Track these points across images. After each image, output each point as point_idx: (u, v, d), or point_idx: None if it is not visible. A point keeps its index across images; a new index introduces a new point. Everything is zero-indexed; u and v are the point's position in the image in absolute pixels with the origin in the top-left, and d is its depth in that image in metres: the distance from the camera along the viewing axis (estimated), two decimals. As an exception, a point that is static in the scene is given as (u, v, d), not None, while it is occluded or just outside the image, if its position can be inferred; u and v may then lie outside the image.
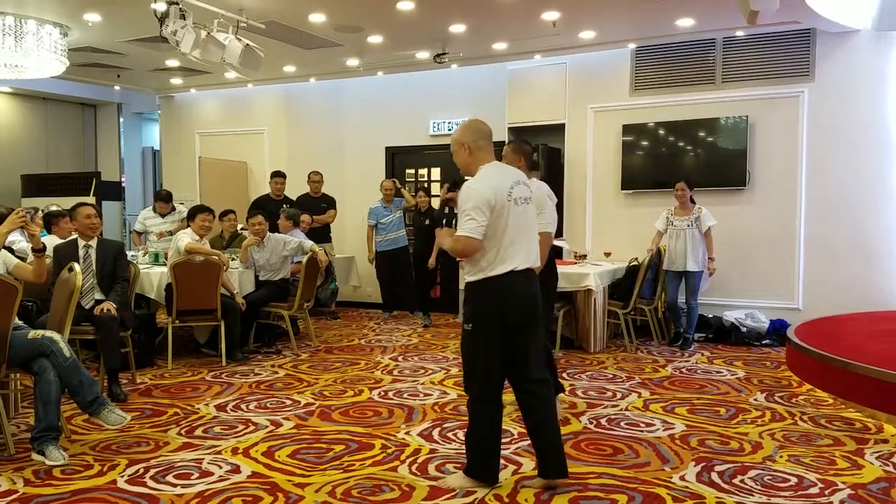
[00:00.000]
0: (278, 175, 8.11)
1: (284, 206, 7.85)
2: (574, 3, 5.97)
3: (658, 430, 4.08)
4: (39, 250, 4.09)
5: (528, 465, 3.48)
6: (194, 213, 6.07)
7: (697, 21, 6.46)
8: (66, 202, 5.81)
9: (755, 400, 4.76)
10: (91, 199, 9.31)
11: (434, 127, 8.77)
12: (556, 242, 4.57)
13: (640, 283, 6.34)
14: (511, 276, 3.10)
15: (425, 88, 8.77)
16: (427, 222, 7.81)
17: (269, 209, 7.25)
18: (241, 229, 7.49)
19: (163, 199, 7.69)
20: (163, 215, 7.62)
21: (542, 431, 3.21)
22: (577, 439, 3.90)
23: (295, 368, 5.71)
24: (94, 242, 4.98)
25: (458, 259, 3.42)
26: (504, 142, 8.05)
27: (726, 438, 3.92)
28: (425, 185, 8.79)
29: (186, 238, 5.87)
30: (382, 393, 4.92)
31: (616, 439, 3.90)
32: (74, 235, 5.06)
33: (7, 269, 4.11)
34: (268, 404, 4.63)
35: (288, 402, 4.69)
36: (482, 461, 3.23)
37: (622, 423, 4.20)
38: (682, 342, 6.50)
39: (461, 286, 7.85)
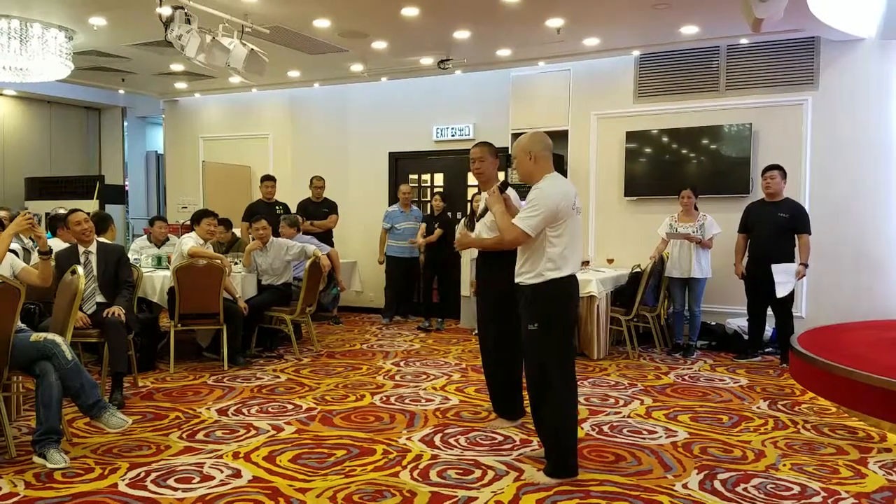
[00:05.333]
0: (268, 179, 8.14)
1: (277, 208, 7.86)
2: (578, 11, 5.98)
3: (660, 437, 4.06)
4: (45, 253, 4.08)
5: (530, 471, 3.47)
6: (199, 217, 6.06)
7: (701, 29, 6.47)
8: (70, 205, 5.81)
9: (758, 408, 4.74)
10: (94, 203, 9.33)
11: (438, 133, 8.77)
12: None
13: (643, 290, 6.33)
14: (573, 278, 3.37)
15: (429, 94, 8.78)
16: (437, 225, 7.75)
17: (263, 213, 7.27)
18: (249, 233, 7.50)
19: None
20: (158, 245, 6.81)
21: None
22: (580, 446, 3.86)
23: (297, 373, 5.70)
24: (93, 248, 4.97)
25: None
26: (507, 149, 8.09)
27: (729, 446, 3.91)
28: (438, 191, 8.68)
29: (190, 242, 5.85)
30: (384, 398, 4.91)
31: (618, 446, 3.89)
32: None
33: (14, 273, 4.11)
34: (269, 409, 4.62)
35: (289, 406, 4.68)
36: (573, 453, 3.39)
37: (624, 431, 4.19)
38: (682, 352, 6.48)
39: (464, 292, 7.88)
